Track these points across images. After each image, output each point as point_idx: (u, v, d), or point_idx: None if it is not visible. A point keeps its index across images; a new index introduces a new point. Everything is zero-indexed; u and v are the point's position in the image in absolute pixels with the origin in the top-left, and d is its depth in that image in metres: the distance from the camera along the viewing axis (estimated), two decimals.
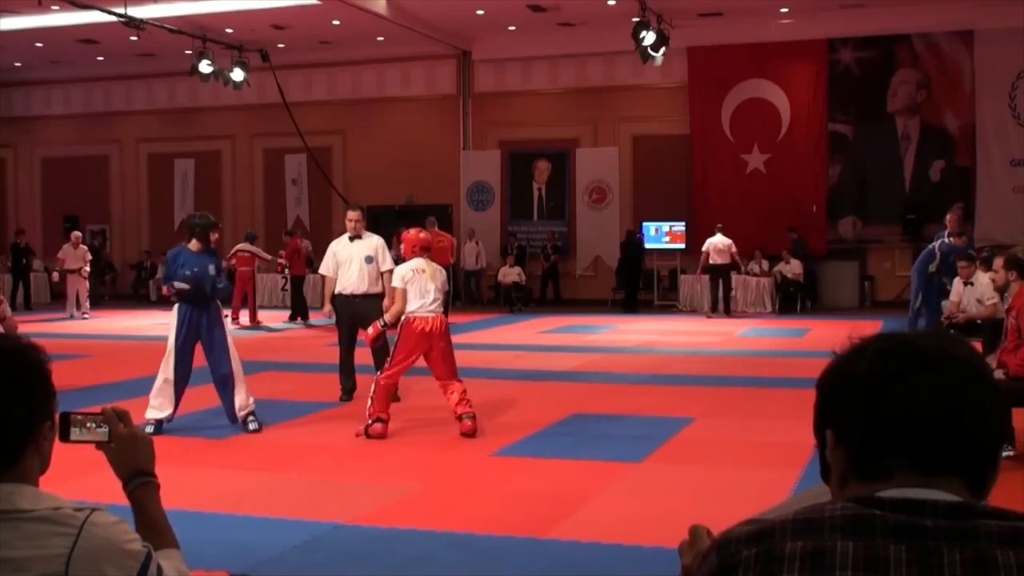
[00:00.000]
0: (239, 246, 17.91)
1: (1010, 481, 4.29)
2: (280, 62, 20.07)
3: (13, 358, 1.72)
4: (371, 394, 7.67)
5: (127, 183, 25.71)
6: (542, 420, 8.28)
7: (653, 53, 17.26)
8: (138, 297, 23.54)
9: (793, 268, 19.54)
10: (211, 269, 7.93)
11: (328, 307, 9.59)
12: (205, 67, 19.05)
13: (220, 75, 19.41)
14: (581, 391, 9.91)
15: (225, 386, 7.90)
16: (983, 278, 9.48)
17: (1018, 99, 19.28)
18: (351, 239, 9.29)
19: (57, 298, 21.61)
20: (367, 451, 7.33)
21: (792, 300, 19.57)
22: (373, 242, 9.31)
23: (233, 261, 17.49)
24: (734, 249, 18.41)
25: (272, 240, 21.14)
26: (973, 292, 9.83)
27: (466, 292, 21.65)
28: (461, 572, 4.70)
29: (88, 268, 19.04)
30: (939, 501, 1.20)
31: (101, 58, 23.58)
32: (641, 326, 16.92)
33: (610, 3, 18.49)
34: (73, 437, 1.90)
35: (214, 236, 8.24)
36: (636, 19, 16.91)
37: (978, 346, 5.78)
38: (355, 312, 9.08)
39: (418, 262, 7.81)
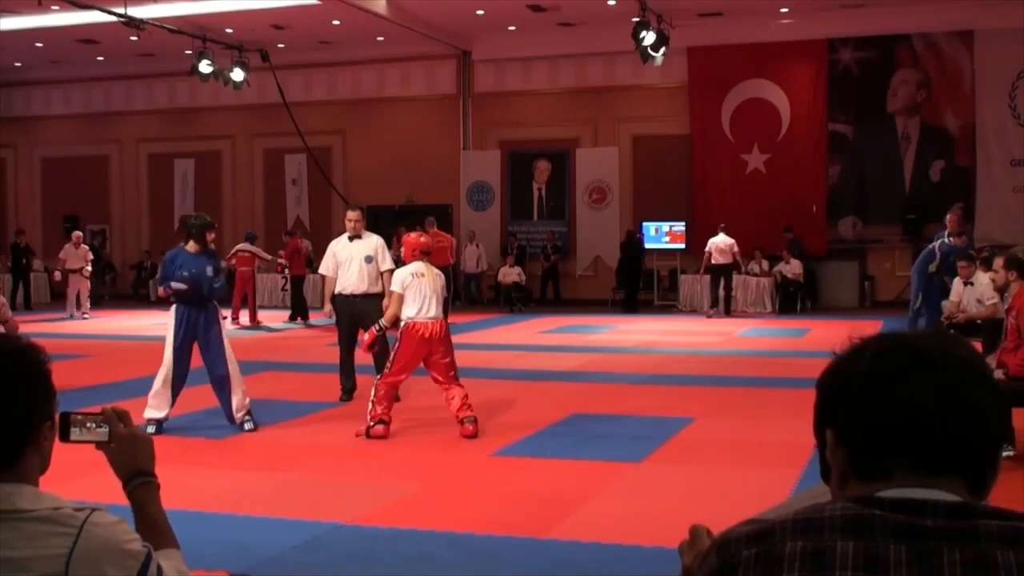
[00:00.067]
0: (239, 246, 17.91)
1: (1010, 481, 4.29)
2: (280, 62, 20.06)
3: (13, 358, 1.72)
4: (372, 397, 7.67)
5: (127, 183, 25.71)
6: (542, 420, 8.28)
7: (653, 53, 17.26)
8: (138, 297, 23.54)
9: (793, 268, 19.54)
10: (208, 270, 7.93)
11: (328, 307, 9.60)
12: (205, 67, 19.05)
13: (220, 75, 19.41)
14: (581, 391, 9.91)
15: (222, 387, 7.91)
16: (983, 278, 9.48)
17: (1018, 99, 19.28)
18: (351, 239, 9.30)
19: (57, 298, 21.62)
20: (367, 451, 7.33)
21: (792, 300, 19.57)
22: (373, 242, 9.32)
23: (233, 261, 17.50)
24: (736, 249, 18.42)
25: (272, 240, 21.14)
26: (973, 292, 9.83)
27: (466, 293, 21.65)
28: (461, 572, 4.70)
29: (90, 268, 19.04)
30: (939, 501, 1.20)
31: (101, 58, 23.58)
32: (641, 326, 16.92)
33: (610, 3, 18.49)
34: (73, 437, 1.90)
35: (211, 236, 8.23)
36: (636, 19, 16.91)
37: (978, 346, 5.78)
38: (355, 312, 9.09)
39: (417, 266, 7.80)
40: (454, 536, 5.15)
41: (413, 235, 8.20)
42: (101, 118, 25.53)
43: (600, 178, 21.97)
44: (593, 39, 20.76)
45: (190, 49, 18.97)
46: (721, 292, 18.49)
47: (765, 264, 19.77)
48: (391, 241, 10.42)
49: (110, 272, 24.54)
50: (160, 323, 9.14)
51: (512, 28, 20.92)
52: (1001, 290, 7.79)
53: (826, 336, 13.40)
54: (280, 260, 18.72)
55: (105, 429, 1.92)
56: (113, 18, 17.40)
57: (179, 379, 7.87)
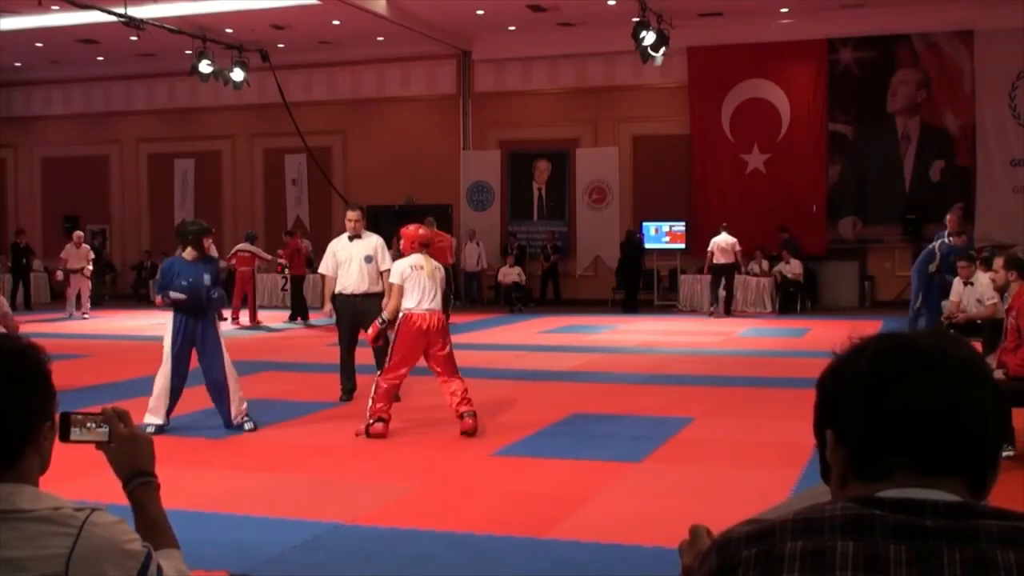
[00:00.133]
0: (239, 246, 17.91)
1: (1010, 481, 4.29)
2: (280, 62, 20.07)
3: (13, 358, 1.73)
4: (372, 394, 7.67)
5: (127, 183, 25.71)
6: (542, 420, 8.28)
7: (653, 53, 17.26)
8: (138, 297, 23.52)
9: (793, 268, 19.55)
10: (206, 279, 7.91)
11: (328, 306, 9.60)
12: (205, 67, 19.05)
13: (220, 75, 19.41)
14: (581, 391, 9.91)
15: (220, 394, 7.91)
16: (983, 278, 9.48)
17: (1018, 99, 19.28)
18: (350, 239, 9.30)
19: (57, 298, 21.62)
20: (367, 451, 7.33)
21: (792, 300, 19.57)
22: (372, 241, 9.32)
23: (233, 261, 17.50)
24: (738, 248, 18.45)
25: (272, 240, 21.13)
26: (973, 292, 9.84)
27: (466, 293, 21.65)
28: (461, 572, 4.70)
29: (91, 267, 19.05)
30: (939, 501, 1.20)
31: (101, 58, 23.58)
32: (641, 326, 16.92)
33: (610, 3, 18.49)
34: (73, 437, 1.90)
35: (208, 242, 8.22)
36: (636, 19, 16.91)
37: (978, 346, 5.78)
38: (356, 311, 9.09)
39: (416, 258, 7.78)
40: (454, 536, 5.15)
41: (412, 227, 8.14)
42: (101, 118, 25.52)
43: (600, 178, 21.97)
44: (593, 39, 20.75)
45: (190, 49, 18.97)
46: (721, 292, 18.51)
47: (765, 264, 19.77)
48: (391, 241, 10.42)
49: (110, 272, 24.54)
50: (160, 323, 9.15)
51: (512, 28, 20.92)
52: (1001, 290, 7.79)
53: (826, 336, 13.40)
54: (280, 260, 18.72)
55: (105, 429, 1.92)
56: (113, 18, 17.40)
57: (178, 386, 7.87)
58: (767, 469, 6.51)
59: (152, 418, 7.74)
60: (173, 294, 7.83)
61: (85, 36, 21.20)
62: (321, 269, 9.62)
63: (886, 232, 20.01)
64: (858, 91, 20.27)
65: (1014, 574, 1.14)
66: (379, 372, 7.84)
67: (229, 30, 20.14)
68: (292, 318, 18.09)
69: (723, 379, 10.68)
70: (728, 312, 18.52)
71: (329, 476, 6.63)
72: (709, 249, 18.48)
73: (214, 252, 9.53)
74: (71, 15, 18.70)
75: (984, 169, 19.48)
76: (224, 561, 4.61)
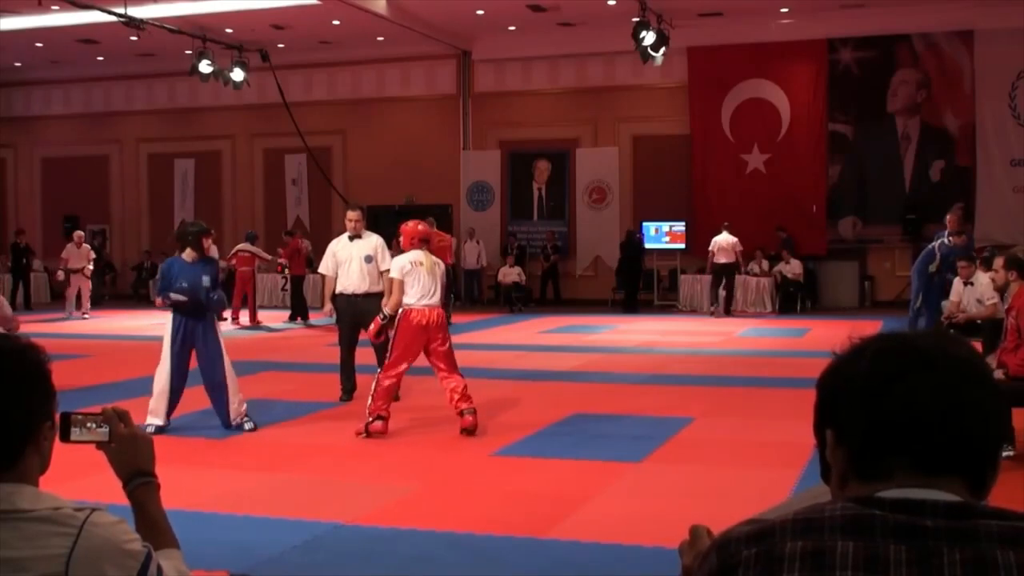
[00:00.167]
0: (239, 246, 17.92)
1: (1010, 481, 4.29)
2: (280, 62, 20.07)
3: (13, 358, 1.73)
4: (372, 392, 7.66)
5: (127, 183, 25.70)
6: (542, 420, 8.28)
7: (653, 53, 17.25)
8: (138, 297, 23.52)
9: (793, 268, 19.55)
10: (205, 280, 7.90)
11: (328, 306, 9.60)
12: (205, 67, 19.05)
13: (220, 75, 19.40)
14: (581, 391, 9.91)
15: (219, 395, 7.91)
16: (983, 278, 9.49)
17: (1018, 99, 19.28)
18: (351, 239, 9.31)
19: (57, 298, 21.61)
20: (367, 451, 7.33)
21: (792, 300, 19.57)
22: (372, 241, 9.33)
23: (233, 261, 17.50)
24: (739, 248, 18.48)
25: (272, 240, 21.13)
26: (973, 292, 9.84)
27: (466, 292, 21.65)
28: (461, 572, 4.70)
29: (91, 267, 19.05)
30: (939, 501, 1.20)
31: (101, 58, 23.58)
32: (641, 326, 16.93)
33: (610, 3, 18.49)
34: (73, 437, 1.90)
35: (207, 242, 8.22)
36: (636, 19, 16.90)
37: (978, 346, 5.78)
38: (356, 311, 9.09)
39: (416, 254, 7.78)
40: (454, 536, 5.15)
41: (411, 223, 8.13)
42: (101, 118, 25.52)
43: (600, 178, 21.97)
44: (593, 39, 20.75)
45: (190, 49, 18.96)
46: (721, 292, 18.53)
47: (765, 264, 19.77)
48: (392, 242, 10.41)
49: (110, 272, 24.54)
50: (160, 323, 9.15)
51: (512, 28, 20.92)
52: (1001, 290, 7.80)
53: (826, 336, 13.40)
54: (280, 260, 18.72)
55: (105, 429, 1.92)
56: (113, 18, 17.40)
57: (178, 387, 7.87)
58: (767, 469, 6.51)
59: (153, 419, 7.75)
60: (173, 295, 7.83)
61: (85, 36, 21.20)
62: (321, 269, 9.63)
63: (886, 232, 20.01)
64: (858, 91, 20.27)
65: (1014, 574, 1.14)
66: (380, 370, 7.83)
67: (229, 30, 20.14)
68: (292, 318, 18.09)
69: (723, 379, 10.68)
70: (728, 312, 18.53)
71: (329, 476, 6.63)
72: (710, 248, 18.50)
73: (214, 252, 9.54)
74: (71, 15, 18.70)
75: (984, 169, 19.48)
76: (224, 561, 4.61)
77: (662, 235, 20.67)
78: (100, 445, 1.93)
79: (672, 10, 17.71)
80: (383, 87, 23.25)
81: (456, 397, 7.63)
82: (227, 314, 15.89)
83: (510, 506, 5.79)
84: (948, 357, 1.26)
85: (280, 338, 15.90)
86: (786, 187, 20.17)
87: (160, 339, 8.16)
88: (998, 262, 7.54)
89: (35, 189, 26.45)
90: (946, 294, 10.76)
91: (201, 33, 18.96)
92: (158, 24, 17.98)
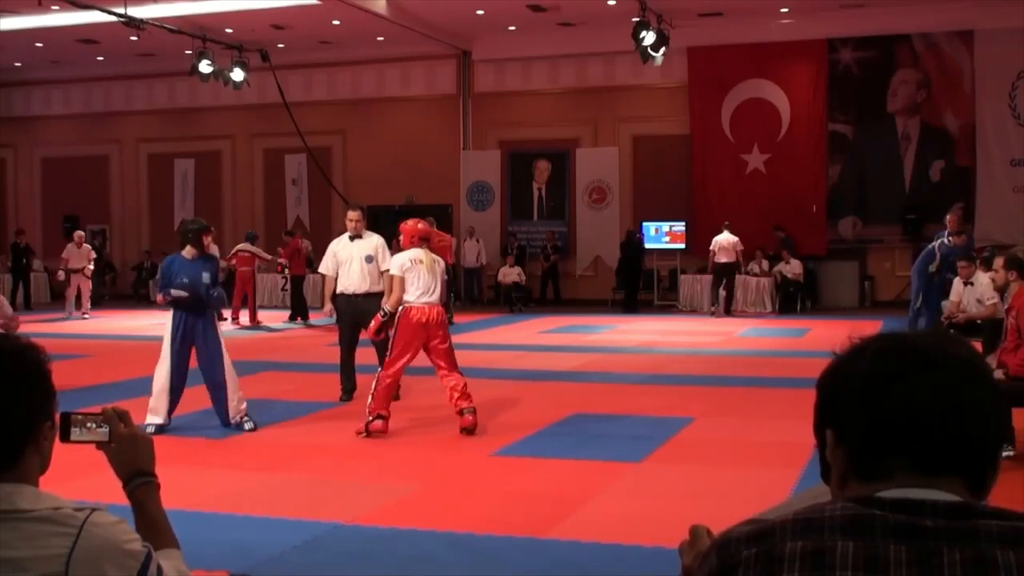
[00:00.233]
0: (239, 246, 17.92)
1: (1010, 481, 4.29)
2: (280, 62, 20.06)
3: (13, 358, 1.73)
4: (372, 391, 7.66)
5: (127, 183, 25.70)
6: (542, 420, 8.28)
7: (653, 53, 17.25)
8: (138, 297, 23.53)
9: (793, 268, 19.55)
10: (205, 277, 7.91)
11: (328, 306, 9.61)
12: (205, 67, 19.05)
13: (220, 75, 19.40)
14: (581, 391, 9.91)
15: (219, 393, 7.92)
16: (983, 278, 9.49)
17: (1018, 99, 19.28)
18: (351, 239, 9.32)
19: (57, 298, 21.61)
20: (367, 451, 7.33)
21: (792, 300, 19.57)
22: (373, 241, 9.34)
23: (233, 261, 17.50)
24: (740, 247, 18.49)
25: (272, 240, 21.13)
26: (973, 292, 9.84)
27: (466, 291, 21.65)
28: (461, 572, 4.70)
29: (92, 267, 19.05)
30: (939, 501, 1.20)
31: (101, 58, 23.58)
32: (641, 326, 16.92)
33: (610, 3, 18.49)
34: (73, 437, 1.90)
35: (208, 240, 8.23)
36: (636, 19, 16.90)
37: (978, 346, 5.78)
38: (357, 311, 9.09)
39: (416, 252, 7.78)
40: (454, 536, 5.15)
41: (411, 222, 8.13)
42: (101, 118, 25.52)
43: (600, 178, 21.97)
44: (593, 39, 20.75)
45: (190, 49, 18.96)
46: (721, 291, 18.54)
47: (765, 264, 19.77)
48: (392, 242, 10.42)
49: (110, 272, 24.54)
50: (160, 323, 9.16)
51: (512, 28, 20.92)
52: (1001, 290, 7.80)
53: (826, 336, 13.40)
54: (280, 260, 18.72)
55: (105, 429, 1.92)
56: (113, 18, 17.40)
57: (178, 385, 7.87)
58: (767, 469, 6.51)
59: (153, 417, 7.75)
60: (174, 292, 7.84)
61: (85, 36, 21.19)
62: (321, 269, 9.63)
63: (886, 232, 20.00)
64: (858, 91, 20.27)
65: (1014, 574, 1.14)
66: (380, 369, 7.83)
67: (229, 30, 20.14)
68: (292, 318, 18.09)
69: (723, 379, 10.68)
70: (728, 312, 18.54)
71: (329, 476, 6.63)
72: (711, 248, 18.53)
73: (214, 250, 9.54)
74: (71, 15, 18.70)
75: (984, 169, 19.48)
76: (224, 561, 4.61)
77: (662, 235, 20.67)
78: (100, 445, 1.93)
79: (672, 10, 17.71)
80: (383, 87, 23.25)
81: (456, 396, 7.63)
82: (227, 314, 15.90)
83: (510, 506, 5.79)
84: (948, 357, 1.26)
85: (280, 338, 15.90)
86: (786, 187, 20.17)
87: (160, 339, 8.17)
88: (998, 262, 7.54)
89: (35, 189, 26.45)
90: (946, 294, 10.76)
91: (201, 33, 18.96)
92: (158, 24, 17.98)
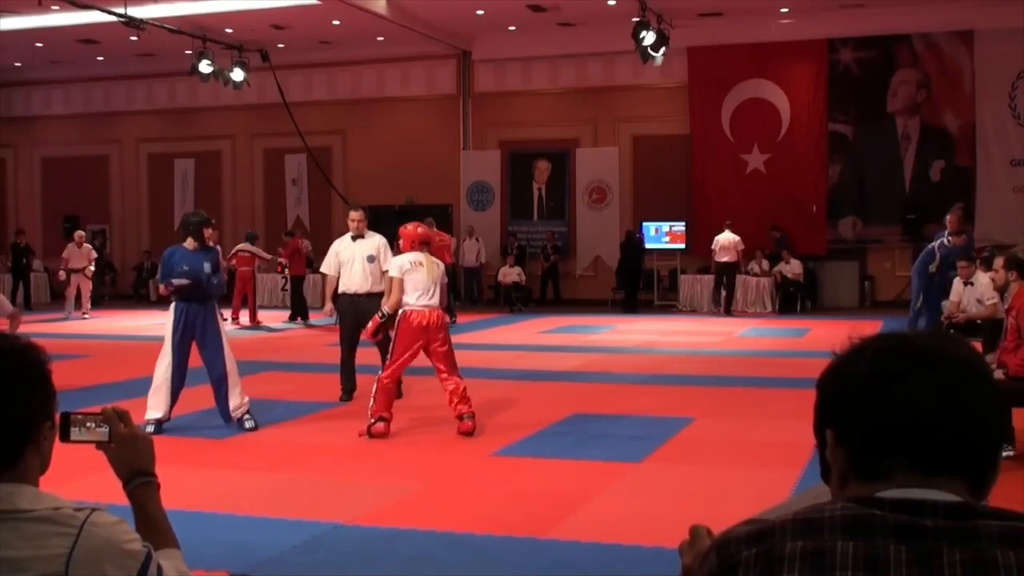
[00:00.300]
0: (239, 246, 17.93)
1: (1010, 481, 4.29)
2: (280, 62, 20.07)
3: (13, 358, 1.73)
4: (373, 393, 7.66)
5: (127, 183, 25.70)
6: (542, 420, 8.28)
7: (653, 53, 17.25)
8: (138, 297, 23.54)
9: (793, 268, 19.55)
10: (206, 266, 7.93)
11: (329, 306, 9.61)
12: (205, 67, 19.05)
13: (220, 75, 19.40)
14: (581, 391, 9.91)
15: (220, 386, 7.91)
16: (983, 278, 9.49)
17: (1018, 99, 19.28)
18: (354, 239, 9.32)
19: (57, 298, 21.62)
20: (367, 451, 7.33)
21: (792, 300, 19.57)
22: (375, 241, 9.35)
23: (233, 261, 17.50)
24: (741, 247, 18.50)
25: (272, 240, 21.13)
26: (973, 292, 9.84)
27: (466, 291, 21.65)
28: (461, 572, 4.70)
29: (93, 268, 19.05)
30: (939, 501, 1.20)
31: (101, 58, 23.58)
32: (641, 326, 16.92)
33: (610, 3, 18.49)
34: (73, 437, 1.90)
35: (208, 232, 8.23)
36: (636, 19, 16.90)
37: (978, 346, 5.78)
38: (358, 311, 9.08)
39: (416, 255, 7.78)
40: (454, 536, 5.15)
41: (410, 226, 8.13)
42: (101, 118, 25.52)
43: (600, 178, 21.97)
44: (593, 39, 20.75)
45: (190, 49, 18.96)
46: (722, 291, 18.54)
47: (765, 264, 19.77)
48: (393, 243, 10.43)
49: (110, 272, 24.54)
50: (160, 323, 9.15)
51: (512, 28, 20.92)
52: (1001, 290, 7.80)
53: (826, 336, 13.39)
54: (280, 260, 18.72)
55: (105, 429, 1.92)
56: (113, 18, 17.39)
57: (178, 378, 7.87)
58: (767, 469, 6.51)
59: (153, 412, 7.74)
60: (175, 281, 7.85)
61: (85, 36, 21.19)
62: (323, 268, 9.63)
63: (886, 232, 20.00)
64: (858, 91, 20.26)
65: (1014, 574, 1.14)
66: (381, 371, 7.83)
67: (229, 30, 20.14)
68: (292, 318, 18.09)
69: (723, 379, 10.68)
70: (728, 312, 18.54)
71: (329, 476, 6.63)
72: (713, 247, 18.55)
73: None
74: (71, 15, 18.69)
75: (984, 169, 19.48)
76: (224, 561, 4.61)
77: (662, 235, 20.67)
78: (100, 445, 1.93)
79: (672, 10, 17.71)
80: (383, 87, 23.25)
81: (456, 400, 7.64)
82: (227, 314, 15.90)
83: (510, 506, 5.79)
84: (948, 357, 1.26)
85: (280, 338, 15.89)
86: (786, 187, 20.16)
87: (160, 339, 8.16)
88: (998, 262, 7.54)
89: (35, 189, 26.45)
90: (946, 294, 10.76)
91: (201, 33, 18.96)
92: (158, 24, 17.97)
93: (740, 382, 10.45)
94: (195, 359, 8.01)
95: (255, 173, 24.53)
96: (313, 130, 21.21)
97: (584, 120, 21.95)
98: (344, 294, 9.28)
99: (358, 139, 23.34)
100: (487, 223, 22.33)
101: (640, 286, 20.35)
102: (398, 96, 23.10)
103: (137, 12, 17.56)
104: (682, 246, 20.52)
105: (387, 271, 8.96)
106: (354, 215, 9.46)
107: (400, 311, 7.64)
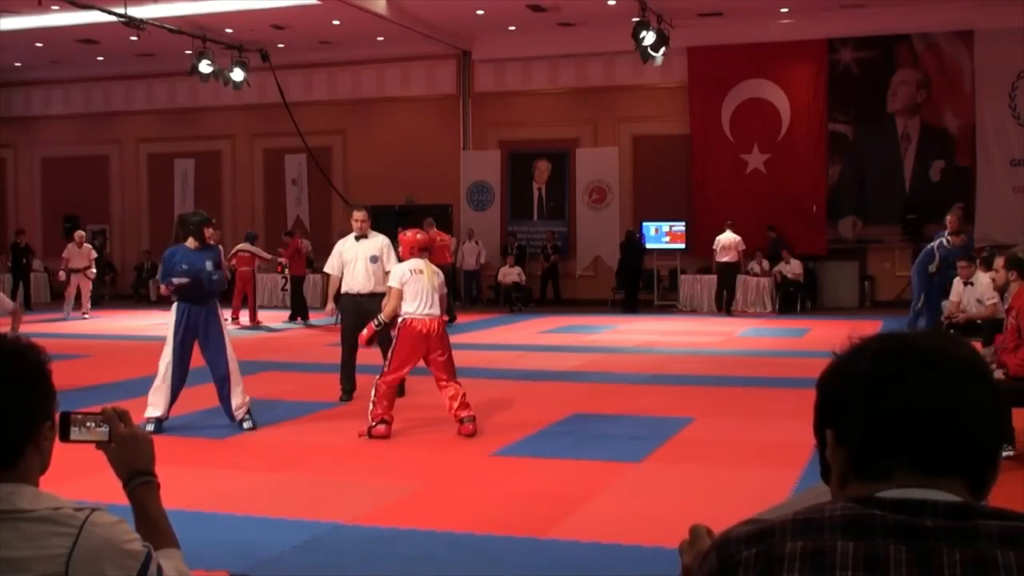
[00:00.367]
0: (239, 246, 17.92)
1: (1010, 481, 4.29)
2: (280, 62, 20.06)
3: (13, 358, 1.73)
4: (372, 397, 7.66)
5: (127, 183, 25.70)
6: (542, 420, 8.28)
7: (653, 53, 17.25)
8: (138, 297, 23.54)
9: (793, 268, 19.55)
10: (207, 265, 7.94)
11: (331, 305, 9.62)
12: (205, 67, 19.05)
13: (220, 75, 19.40)
14: (581, 391, 9.90)
15: (223, 385, 7.92)
16: (983, 278, 9.50)
17: (1018, 99, 19.28)
18: (357, 239, 9.33)
19: (57, 298, 21.60)
20: (367, 451, 7.33)
21: (792, 300, 19.57)
22: (378, 242, 9.35)
23: (233, 261, 17.49)
24: (742, 247, 18.51)
25: (272, 240, 21.13)
26: (973, 292, 9.85)
27: (466, 292, 21.64)
28: (461, 572, 4.70)
29: (94, 269, 19.04)
30: (939, 501, 1.20)
31: (101, 58, 23.58)
32: (641, 326, 16.92)
33: (610, 3, 18.49)
34: (73, 437, 1.90)
35: (210, 232, 8.24)
36: (636, 19, 16.90)
37: (978, 346, 5.78)
38: (361, 311, 9.07)
39: (416, 263, 7.78)
40: (454, 536, 5.15)
41: (410, 233, 8.14)
42: (101, 118, 25.52)
43: (600, 178, 21.97)
44: (593, 39, 20.75)
45: (190, 49, 18.96)
46: (724, 291, 18.56)
47: (765, 264, 19.78)
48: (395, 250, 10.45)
49: (110, 272, 24.53)
50: (160, 323, 9.15)
51: (512, 28, 20.92)
52: (1001, 290, 7.80)
53: (826, 336, 13.40)
54: (280, 260, 18.71)
55: (105, 429, 1.92)
56: (113, 18, 17.39)
57: (179, 377, 7.88)
58: (767, 469, 6.51)
59: (152, 410, 7.75)
60: (176, 280, 7.85)
61: (85, 36, 21.19)
62: (327, 268, 9.64)
63: (886, 232, 20.00)
64: (858, 91, 20.26)
65: (1014, 574, 1.14)
66: (379, 376, 7.83)
67: (229, 30, 20.14)
68: (292, 318, 18.07)
69: (723, 379, 10.68)
70: (728, 311, 18.54)
71: (329, 476, 6.63)
72: (714, 247, 18.57)
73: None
74: (71, 15, 18.69)
75: (984, 169, 19.48)
76: (224, 561, 4.61)
77: (662, 235, 20.67)
78: (100, 445, 1.93)
79: (672, 10, 17.71)
80: (383, 87, 23.25)
81: (455, 405, 7.65)
82: (227, 314, 15.88)
83: (510, 506, 5.79)
84: (948, 357, 1.26)
85: (280, 338, 15.89)
86: (786, 187, 20.17)
87: (160, 339, 8.17)
88: (998, 262, 7.54)
89: (35, 189, 26.45)
90: (946, 294, 10.76)
91: (201, 33, 18.96)
92: (158, 24, 17.97)
93: (740, 382, 10.45)
94: (197, 359, 8.02)
95: (255, 173, 24.53)
96: (313, 130, 21.21)
97: (584, 120, 21.95)
98: (347, 294, 9.28)
99: (358, 139, 23.34)
100: (487, 223, 22.32)
101: (640, 286, 20.35)
102: (398, 96, 23.10)
103: (137, 12, 17.56)
104: (682, 246, 20.53)
105: (390, 272, 8.99)
106: (358, 215, 9.47)
107: (400, 319, 7.64)
